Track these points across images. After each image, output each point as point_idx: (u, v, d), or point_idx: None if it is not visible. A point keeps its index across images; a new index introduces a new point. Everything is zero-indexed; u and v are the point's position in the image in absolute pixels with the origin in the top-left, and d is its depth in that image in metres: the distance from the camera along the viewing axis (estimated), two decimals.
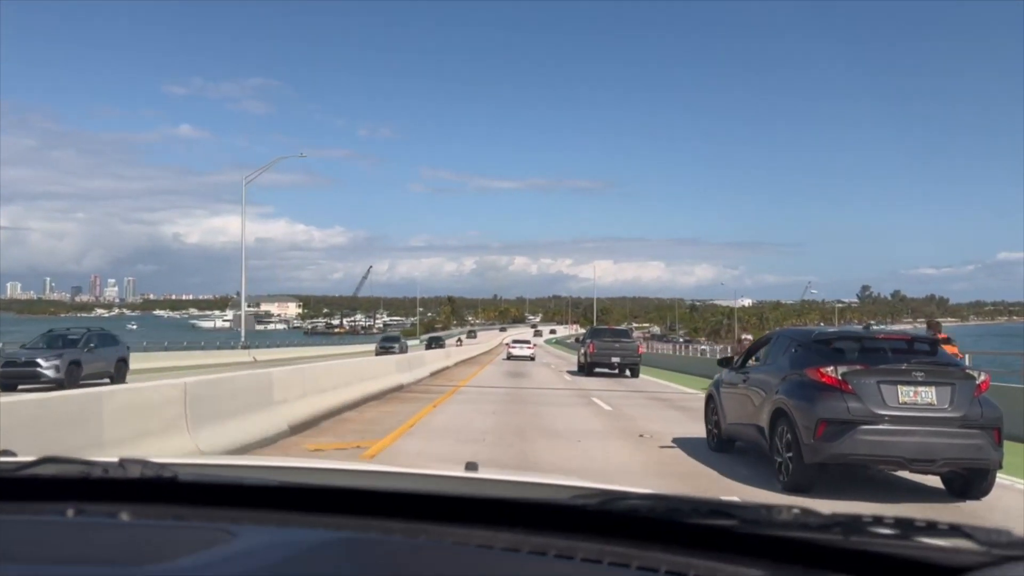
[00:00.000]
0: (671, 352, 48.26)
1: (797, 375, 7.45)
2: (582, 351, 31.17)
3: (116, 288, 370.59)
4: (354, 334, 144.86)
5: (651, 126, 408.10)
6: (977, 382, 7.08)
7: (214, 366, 27.77)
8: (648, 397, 19.31)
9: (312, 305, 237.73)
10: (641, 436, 11.06)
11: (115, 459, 1.34)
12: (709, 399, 10.13)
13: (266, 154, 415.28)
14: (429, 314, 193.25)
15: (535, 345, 52.85)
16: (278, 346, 52.83)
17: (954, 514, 6.65)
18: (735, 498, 1.25)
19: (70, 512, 1.21)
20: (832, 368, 7.04)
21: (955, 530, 1.00)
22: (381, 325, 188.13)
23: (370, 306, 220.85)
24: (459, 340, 79.51)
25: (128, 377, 20.65)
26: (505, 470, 3.75)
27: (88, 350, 20.16)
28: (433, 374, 25.59)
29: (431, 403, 15.60)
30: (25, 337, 24.85)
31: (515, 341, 50.46)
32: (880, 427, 6.82)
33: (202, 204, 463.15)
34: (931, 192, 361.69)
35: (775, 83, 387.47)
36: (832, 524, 1.03)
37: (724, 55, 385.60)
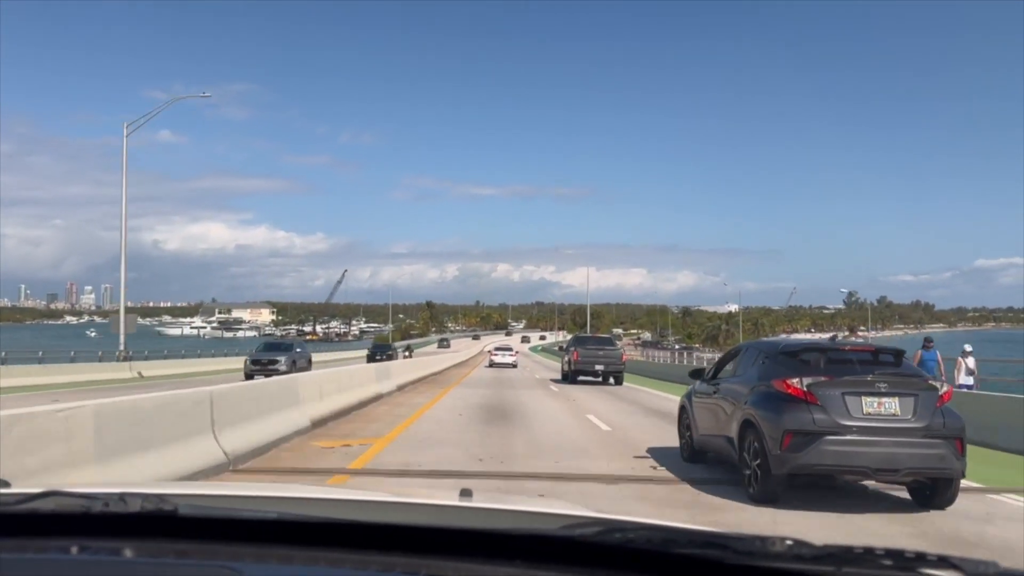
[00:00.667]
0: (670, 360, 48.04)
1: (764, 386, 7.64)
2: (566, 359, 31.39)
3: (93, 295, 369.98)
4: (327, 341, 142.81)
5: (632, 134, 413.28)
6: (940, 393, 7.30)
7: (64, 386, 22.93)
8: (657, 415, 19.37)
9: (289, 312, 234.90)
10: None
11: (116, 491, 1.36)
12: (682, 410, 10.30)
13: (246, 160, 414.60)
14: (409, 320, 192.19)
15: (518, 352, 53.20)
16: (193, 355, 43.80)
17: (919, 524, 6.85)
18: (728, 530, 1.31)
19: (74, 549, 1.21)
20: (798, 379, 7.23)
21: (943, 561, 1.05)
22: (357, 332, 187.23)
23: (348, 312, 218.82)
24: (407, 351, 61.76)
25: None
26: (501, 496, 3.84)
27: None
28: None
29: None
30: None
31: (497, 348, 51.20)
32: (845, 437, 7.02)
33: (181, 211, 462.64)
34: (910, 200, 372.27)
35: (754, 92, 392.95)
36: (824, 555, 1.07)
37: (703, 64, 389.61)
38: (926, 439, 7.04)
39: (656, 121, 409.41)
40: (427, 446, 11.01)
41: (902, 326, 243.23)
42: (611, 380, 28.74)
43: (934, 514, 7.24)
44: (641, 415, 17.07)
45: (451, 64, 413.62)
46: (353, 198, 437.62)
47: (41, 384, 23.82)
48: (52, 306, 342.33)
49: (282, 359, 29.15)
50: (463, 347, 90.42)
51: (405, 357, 46.28)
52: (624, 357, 30.94)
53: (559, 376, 32.46)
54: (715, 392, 9.00)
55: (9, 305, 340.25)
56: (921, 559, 1.05)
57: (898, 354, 7.79)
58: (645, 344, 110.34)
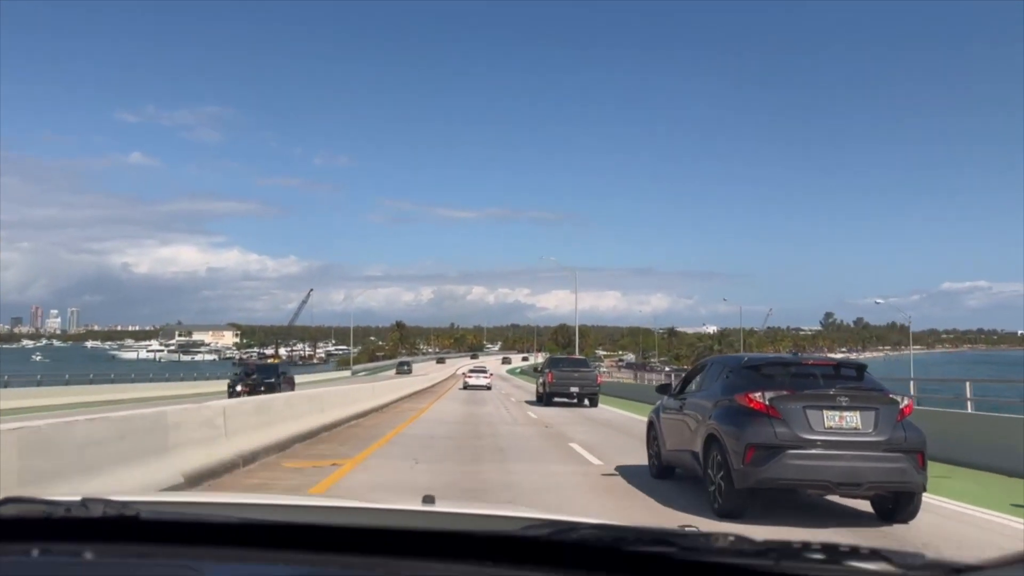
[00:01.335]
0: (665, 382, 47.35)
1: (728, 401, 7.79)
2: (541, 380, 31.50)
3: (59, 319, 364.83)
4: (291, 364, 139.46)
5: (607, 158, 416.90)
6: (900, 406, 7.47)
7: None
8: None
9: (257, 334, 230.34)
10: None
11: (77, 498, 1.38)
12: (650, 426, 10.43)
13: (219, 182, 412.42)
14: (379, 342, 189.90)
15: (493, 375, 53.50)
16: (127, 380, 39.32)
17: (882, 537, 7.00)
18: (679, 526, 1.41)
19: (35, 552, 1.24)
20: (760, 394, 7.39)
21: (875, 554, 1.13)
22: (323, 355, 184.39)
23: (319, 335, 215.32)
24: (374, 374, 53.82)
25: None
26: (462, 502, 3.86)
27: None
28: None
29: None
30: None
31: (472, 371, 52.27)
32: (807, 451, 7.17)
33: (152, 233, 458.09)
34: (878, 224, 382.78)
35: (728, 120, 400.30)
36: (766, 550, 1.14)
37: (676, 91, 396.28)
38: (887, 453, 7.21)
39: (631, 146, 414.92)
40: None
41: (882, 348, 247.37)
42: (586, 402, 28.90)
43: (897, 527, 7.40)
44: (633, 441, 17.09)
45: (428, 86, 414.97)
46: (327, 220, 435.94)
47: None
48: (16, 330, 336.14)
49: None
50: (431, 370, 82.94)
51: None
52: (599, 379, 31.10)
53: (534, 398, 32.56)
54: (681, 407, 9.14)
55: None
56: (855, 552, 1.13)
57: (860, 368, 7.98)
58: (631, 366, 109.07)
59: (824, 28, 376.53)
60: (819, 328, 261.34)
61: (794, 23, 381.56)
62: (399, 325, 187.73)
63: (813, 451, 7.17)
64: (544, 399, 29.50)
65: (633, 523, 1.46)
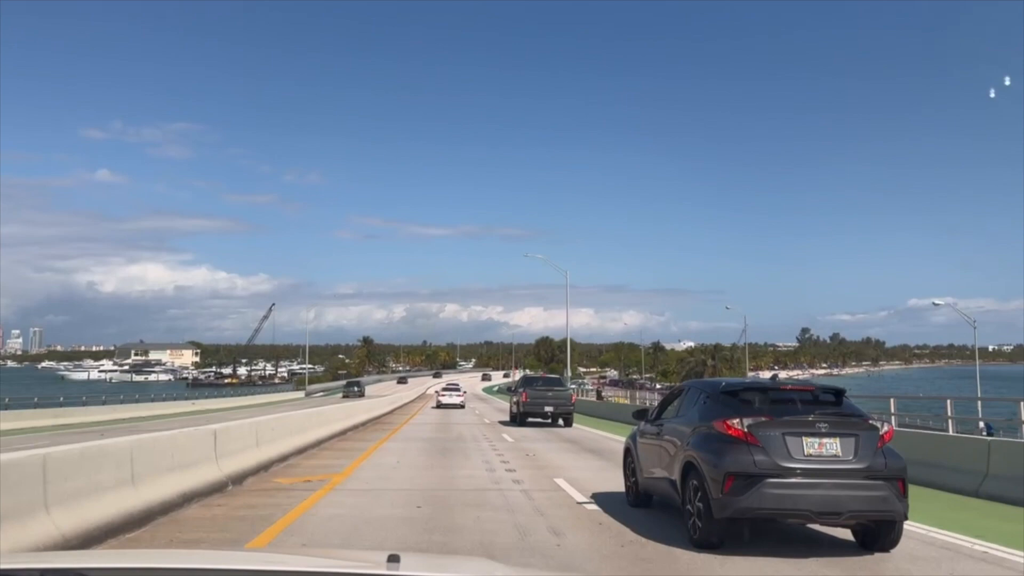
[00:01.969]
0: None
1: (705, 427, 7.73)
2: (514, 399, 31.38)
3: (20, 339, 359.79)
4: (250, 385, 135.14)
5: (579, 175, 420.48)
6: (880, 432, 7.43)
7: None
8: None
9: (221, 353, 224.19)
10: None
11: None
12: (627, 452, 10.33)
13: (186, 200, 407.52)
14: (347, 360, 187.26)
15: (465, 392, 53.42)
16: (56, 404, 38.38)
17: (863, 566, 6.93)
18: None
19: None
20: (738, 420, 7.33)
21: None
22: (286, 374, 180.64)
23: (288, 353, 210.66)
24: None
25: None
26: (432, 560, 3.71)
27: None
28: None
29: None
30: None
31: (445, 389, 52.85)
32: (787, 480, 7.11)
33: (119, 251, 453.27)
34: (846, 241, 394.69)
35: (693, 142, 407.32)
36: None
37: (644, 107, 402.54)
38: (868, 480, 7.18)
39: (604, 163, 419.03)
40: None
41: (862, 363, 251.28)
42: (560, 421, 28.77)
43: (878, 556, 7.35)
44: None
45: (399, 104, 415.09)
46: (298, 238, 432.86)
47: None
48: None
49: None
50: (393, 390, 73.12)
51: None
52: (573, 398, 31.03)
53: (507, 418, 32.44)
54: (659, 433, 9.06)
55: None
56: None
57: (838, 393, 7.94)
58: (616, 383, 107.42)
59: (790, 50, 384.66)
60: (796, 344, 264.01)
61: (757, 47, 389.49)
62: (366, 341, 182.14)
63: (793, 479, 7.12)
64: (518, 419, 29.42)
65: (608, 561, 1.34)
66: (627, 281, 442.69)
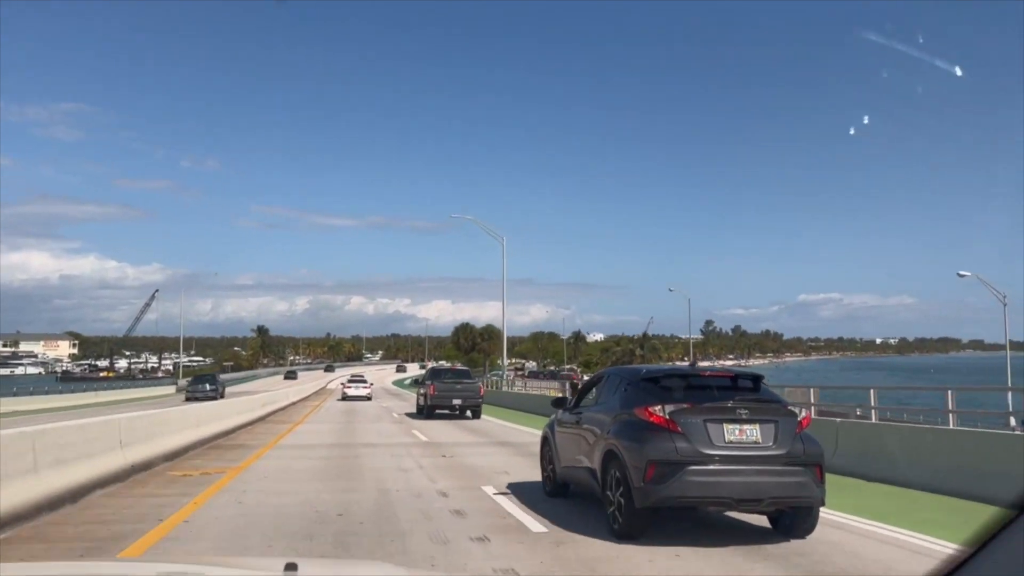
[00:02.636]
0: None
1: (627, 415, 7.67)
2: (421, 391, 31.16)
3: None
4: (129, 379, 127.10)
5: (486, 167, 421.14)
6: (799, 418, 7.51)
7: None
8: None
9: (103, 344, 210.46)
10: None
11: None
12: (544, 441, 10.24)
13: (76, 185, 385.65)
14: (243, 352, 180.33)
15: (372, 384, 52.59)
16: None
17: (780, 553, 6.98)
18: None
19: None
20: (660, 407, 7.29)
21: None
22: (170, 367, 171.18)
23: (175, 346, 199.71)
24: None
25: None
26: (331, 564, 3.44)
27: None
28: None
29: None
30: None
31: (351, 381, 51.80)
32: (708, 467, 7.13)
33: (1, 238, 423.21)
34: (738, 239, 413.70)
35: (600, 137, 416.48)
36: None
37: (553, 102, 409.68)
38: (787, 467, 7.26)
39: (510, 156, 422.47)
40: None
41: (766, 355, 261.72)
42: (468, 414, 28.81)
43: (795, 543, 7.44)
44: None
45: (302, 90, 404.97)
46: (196, 226, 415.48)
47: None
48: None
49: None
50: (273, 386, 62.09)
51: None
52: (481, 390, 31.00)
53: (414, 410, 32.17)
54: (578, 421, 8.96)
55: None
56: None
57: (756, 379, 8.01)
58: (538, 375, 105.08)
59: (704, 53, 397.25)
60: (700, 336, 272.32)
61: (667, 51, 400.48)
62: (260, 331, 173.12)
63: (714, 467, 7.13)
64: (425, 411, 29.26)
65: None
66: (534, 275, 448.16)
